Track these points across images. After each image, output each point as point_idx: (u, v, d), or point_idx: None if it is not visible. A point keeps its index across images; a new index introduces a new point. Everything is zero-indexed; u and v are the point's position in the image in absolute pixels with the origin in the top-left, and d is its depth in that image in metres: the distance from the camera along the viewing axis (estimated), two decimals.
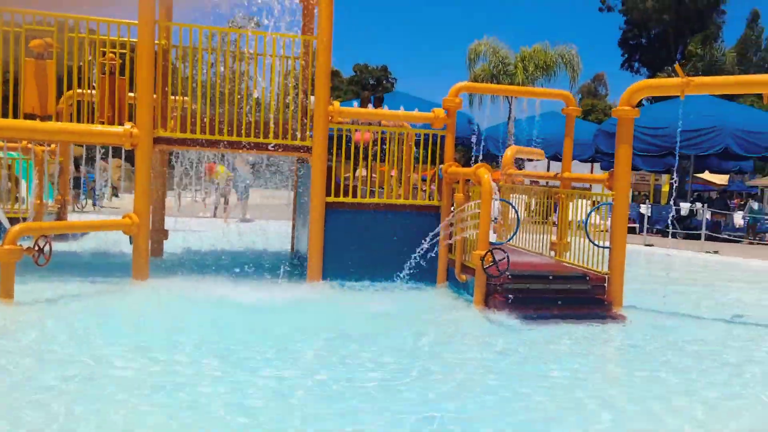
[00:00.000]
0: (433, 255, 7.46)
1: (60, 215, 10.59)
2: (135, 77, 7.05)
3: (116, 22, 7.29)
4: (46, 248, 6.37)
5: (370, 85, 61.13)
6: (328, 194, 7.55)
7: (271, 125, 7.43)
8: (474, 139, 11.39)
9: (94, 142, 7.63)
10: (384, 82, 62.71)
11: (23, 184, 10.78)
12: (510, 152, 9.57)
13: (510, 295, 6.49)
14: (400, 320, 6.13)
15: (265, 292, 6.91)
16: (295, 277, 7.67)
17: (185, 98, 7.41)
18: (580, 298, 6.87)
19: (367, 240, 7.67)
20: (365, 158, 7.85)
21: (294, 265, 8.34)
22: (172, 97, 7.65)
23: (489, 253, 6.35)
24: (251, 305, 6.44)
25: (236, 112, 7.48)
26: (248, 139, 7.42)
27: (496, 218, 8.81)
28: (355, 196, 7.70)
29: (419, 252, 7.28)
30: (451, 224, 7.45)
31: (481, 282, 6.63)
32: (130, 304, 6.35)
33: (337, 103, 7.57)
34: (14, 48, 6.94)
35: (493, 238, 7.66)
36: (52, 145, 10.43)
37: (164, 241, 9.16)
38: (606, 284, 7.02)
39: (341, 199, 7.63)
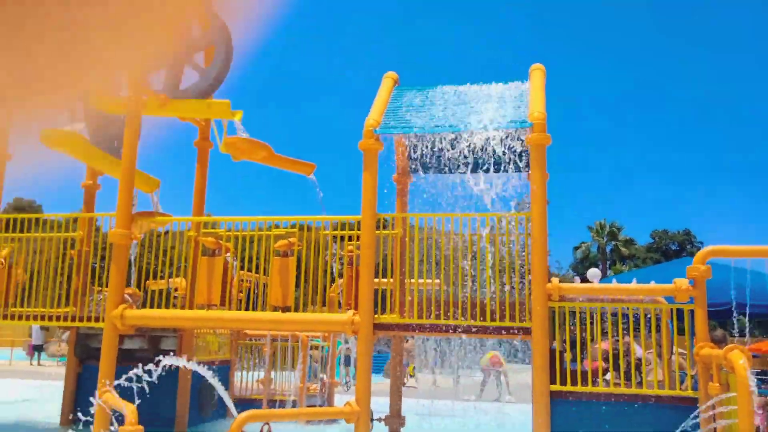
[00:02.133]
0: None
1: (327, 398, 11.31)
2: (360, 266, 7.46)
3: (345, 219, 7.98)
4: None
5: (672, 251, 56.81)
6: (552, 381, 6.73)
7: (488, 307, 7.09)
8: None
9: (321, 329, 8.12)
10: (688, 246, 57.55)
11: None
12: None
13: None
14: None
15: None
16: None
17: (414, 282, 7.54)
18: None
19: None
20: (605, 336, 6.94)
21: None
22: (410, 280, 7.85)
23: None
24: None
25: (462, 295, 7.35)
26: (466, 322, 7.15)
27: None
28: (585, 384, 6.73)
29: None
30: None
31: None
32: None
33: (556, 281, 6.97)
34: (264, 249, 7.98)
35: None
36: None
37: (401, 428, 8.99)
38: None
39: (568, 387, 6.72)
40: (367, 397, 7.22)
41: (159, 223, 9.42)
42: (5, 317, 8.88)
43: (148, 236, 9.48)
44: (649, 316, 6.79)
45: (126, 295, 9.27)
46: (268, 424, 6.63)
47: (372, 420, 8.94)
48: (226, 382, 11.17)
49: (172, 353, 9.58)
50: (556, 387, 6.74)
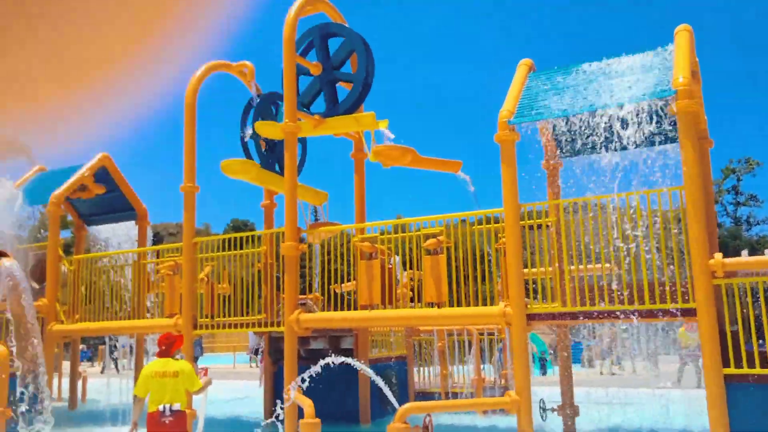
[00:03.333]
0: None
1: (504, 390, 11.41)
2: (506, 258, 7.51)
3: (491, 212, 8.04)
4: (429, 426, 6.99)
5: None
6: (725, 364, 6.23)
7: (645, 290, 6.75)
8: None
9: (474, 322, 8.24)
10: None
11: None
12: None
13: None
14: None
15: None
16: None
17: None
18: None
19: None
20: None
21: None
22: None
23: None
24: None
25: (622, 279, 7.07)
26: (625, 307, 6.87)
27: None
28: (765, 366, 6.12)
29: None
30: None
31: None
32: None
33: (719, 256, 6.43)
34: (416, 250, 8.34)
35: None
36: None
37: (575, 417, 8.82)
38: None
39: (745, 370, 6.17)
40: (527, 387, 7.24)
41: (331, 231, 10.24)
42: (210, 327, 10.18)
43: (325, 244, 10.28)
44: None
45: (308, 300, 10.23)
46: (429, 415, 6.93)
47: (545, 410, 8.91)
48: (405, 376, 11.74)
49: (348, 352, 10.35)
50: (730, 370, 6.23)
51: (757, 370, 6.13)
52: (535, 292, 8.35)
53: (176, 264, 10.23)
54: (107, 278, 11.52)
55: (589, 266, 7.26)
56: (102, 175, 12.43)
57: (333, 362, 7.60)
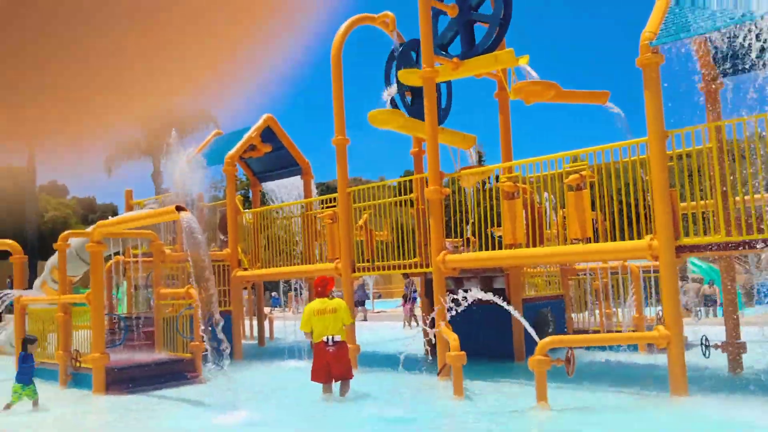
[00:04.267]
0: None
1: None
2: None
3: (635, 142, 7.66)
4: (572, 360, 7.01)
5: None
6: None
7: None
8: None
9: (619, 257, 7.95)
10: None
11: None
12: None
13: None
14: None
15: None
16: None
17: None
18: None
19: None
20: None
21: None
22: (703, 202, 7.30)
23: None
24: None
25: None
26: None
27: None
28: None
29: None
30: None
31: None
32: (654, 421, 6.22)
33: None
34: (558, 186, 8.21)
35: None
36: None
37: (742, 354, 8.30)
38: None
39: None
40: (678, 322, 6.97)
41: (482, 174, 10.38)
42: (368, 270, 10.89)
43: (479, 188, 10.42)
44: None
45: (457, 245, 10.53)
46: (571, 348, 6.95)
47: (708, 347, 8.51)
48: (562, 316, 11.67)
49: (500, 292, 10.54)
50: None
51: None
52: (695, 224, 7.87)
53: (334, 213, 11.02)
54: (280, 229, 12.73)
55: (749, 197, 6.72)
56: (268, 134, 13.59)
57: (474, 298, 7.83)
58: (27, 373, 7.92)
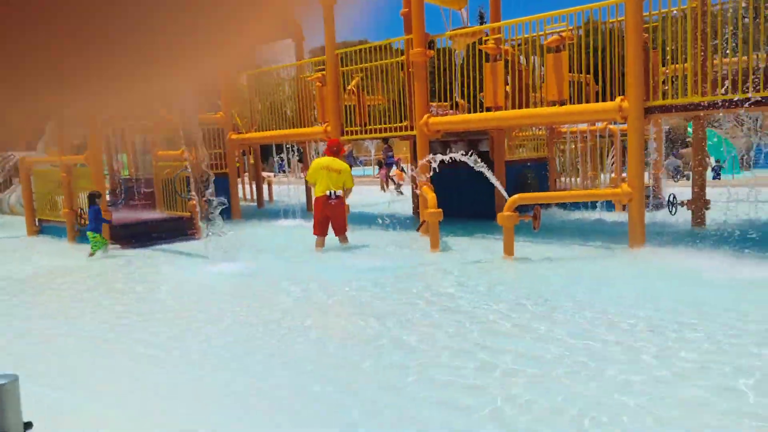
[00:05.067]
0: None
1: (655, 190, 11.44)
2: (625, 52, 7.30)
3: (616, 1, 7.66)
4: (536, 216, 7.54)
5: None
6: None
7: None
8: None
9: (590, 119, 8.21)
10: None
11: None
12: None
13: None
14: None
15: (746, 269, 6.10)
16: None
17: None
18: None
19: None
20: None
21: None
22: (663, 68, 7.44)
23: None
24: (724, 283, 5.88)
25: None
26: (733, 96, 6.54)
27: None
28: None
29: None
30: None
31: None
32: (608, 269, 6.83)
33: None
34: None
35: None
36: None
37: (706, 211, 8.81)
38: None
39: None
40: (640, 180, 7.40)
41: (473, 36, 10.36)
42: (357, 133, 11.19)
43: (468, 51, 10.40)
44: None
45: (435, 107, 10.73)
46: (539, 206, 7.45)
47: (675, 204, 9.00)
48: (544, 178, 12.12)
49: (485, 154, 10.89)
50: None
51: None
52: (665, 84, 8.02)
53: (323, 76, 11.14)
54: (274, 92, 12.89)
55: (720, 59, 6.86)
56: None
57: (449, 159, 8.19)
58: (99, 222, 9.01)
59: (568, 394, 3.40)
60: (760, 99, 6.45)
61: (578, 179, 12.25)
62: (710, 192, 9.39)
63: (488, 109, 8.99)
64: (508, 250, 7.37)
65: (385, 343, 4.50)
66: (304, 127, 12.10)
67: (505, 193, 7.75)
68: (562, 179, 12.38)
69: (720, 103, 6.75)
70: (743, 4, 6.68)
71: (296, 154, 16.07)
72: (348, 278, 6.78)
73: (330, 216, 8.52)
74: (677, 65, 7.31)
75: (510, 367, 3.86)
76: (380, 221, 9.37)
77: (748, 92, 6.54)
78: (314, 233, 8.61)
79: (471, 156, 8.31)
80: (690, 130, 20.73)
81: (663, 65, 7.39)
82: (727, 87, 6.74)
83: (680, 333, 4.36)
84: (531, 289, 5.90)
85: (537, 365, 3.88)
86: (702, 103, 6.87)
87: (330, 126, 10.97)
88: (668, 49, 7.30)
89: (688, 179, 18.37)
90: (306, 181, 10.56)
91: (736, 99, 6.55)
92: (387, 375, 3.91)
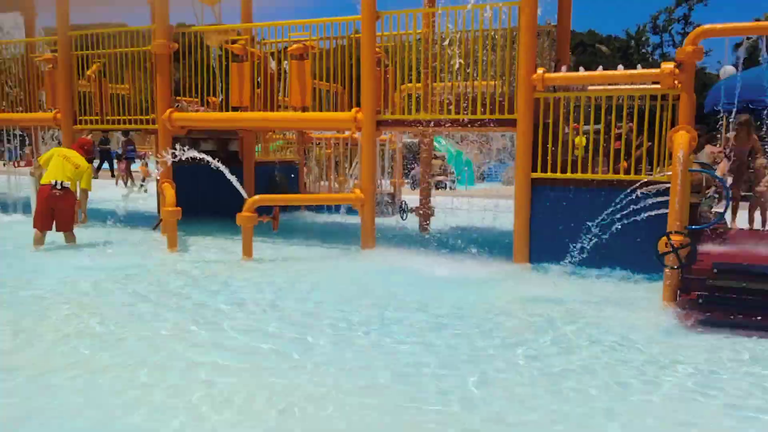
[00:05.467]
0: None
1: (394, 194, 12.35)
2: (361, 67, 7.83)
3: (352, 19, 8.17)
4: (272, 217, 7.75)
5: None
6: (533, 169, 7.00)
7: (479, 100, 7.28)
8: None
9: (329, 127, 8.75)
10: None
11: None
12: None
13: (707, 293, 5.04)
14: (550, 305, 5.45)
15: (464, 268, 6.93)
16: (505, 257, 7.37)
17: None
18: None
19: (581, 220, 6.76)
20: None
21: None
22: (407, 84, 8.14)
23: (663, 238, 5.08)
24: (442, 279, 6.58)
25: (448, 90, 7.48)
26: (450, 117, 7.42)
27: None
28: (564, 171, 6.91)
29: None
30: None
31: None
32: (338, 268, 7.23)
33: (541, 71, 6.91)
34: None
35: None
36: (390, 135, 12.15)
37: (431, 218, 9.78)
38: None
39: (549, 174, 6.96)
40: (372, 187, 7.97)
41: (226, 33, 10.13)
42: (94, 123, 10.31)
43: (221, 48, 10.10)
44: (640, 103, 6.66)
45: (182, 102, 10.40)
46: (278, 207, 7.65)
47: (405, 211, 9.83)
48: (296, 181, 12.42)
49: (235, 154, 10.85)
50: (537, 174, 7.01)
51: (558, 175, 6.91)
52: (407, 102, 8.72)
53: (54, 58, 10.12)
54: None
55: (444, 83, 7.65)
56: None
57: (190, 158, 8.00)
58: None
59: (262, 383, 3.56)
60: (470, 121, 7.36)
61: (326, 183, 12.80)
62: (440, 201, 10.48)
63: (235, 109, 8.97)
64: (247, 251, 7.42)
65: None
66: (32, 112, 10.85)
67: (245, 194, 7.80)
68: (313, 183, 12.82)
69: (443, 122, 7.53)
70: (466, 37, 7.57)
71: (27, 142, 14.35)
72: (65, 278, 6.26)
73: (56, 208, 7.76)
74: (412, 84, 8.00)
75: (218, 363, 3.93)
76: (113, 219, 8.79)
77: (466, 114, 7.42)
78: (34, 226, 7.79)
79: (217, 155, 8.22)
80: (437, 144, 22.91)
81: (403, 83, 8.00)
82: (451, 108, 7.55)
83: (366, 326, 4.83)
84: (258, 288, 6.04)
85: (248, 359, 4.00)
86: (426, 121, 7.62)
87: (60, 113, 10.00)
88: (406, 68, 7.96)
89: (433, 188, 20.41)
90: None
91: (454, 119, 7.38)
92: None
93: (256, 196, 7.50)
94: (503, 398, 3.54)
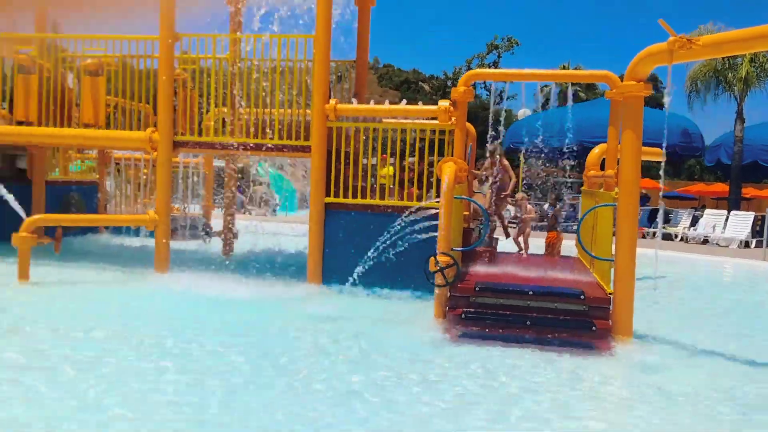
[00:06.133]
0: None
1: (206, 217, 12.05)
2: (157, 86, 7.69)
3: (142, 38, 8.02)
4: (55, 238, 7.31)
5: None
6: (327, 194, 7.31)
7: (276, 126, 7.48)
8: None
9: (123, 146, 8.52)
10: None
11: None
12: (598, 150, 8.20)
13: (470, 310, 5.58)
14: (332, 323, 5.70)
15: (258, 290, 6.98)
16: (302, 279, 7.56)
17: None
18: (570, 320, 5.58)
19: (369, 243, 7.17)
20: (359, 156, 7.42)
21: None
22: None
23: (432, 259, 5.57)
24: (229, 300, 6.56)
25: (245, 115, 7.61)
26: (250, 140, 7.54)
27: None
28: (355, 197, 7.31)
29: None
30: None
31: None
32: (123, 292, 6.94)
33: (333, 101, 7.29)
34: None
35: None
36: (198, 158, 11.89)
37: (234, 241, 9.75)
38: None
39: (341, 199, 7.31)
40: (166, 208, 7.79)
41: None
42: None
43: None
44: (422, 136, 7.26)
45: None
46: (60, 227, 7.21)
47: (209, 233, 9.69)
48: (94, 201, 11.71)
49: (24, 172, 10.02)
50: (330, 199, 7.33)
51: (349, 200, 7.29)
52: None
53: None
54: None
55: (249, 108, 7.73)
56: None
57: None
58: None
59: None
60: (272, 146, 7.51)
61: (127, 205, 12.21)
62: (244, 224, 10.47)
63: (20, 123, 8.33)
64: (23, 274, 6.88)
65: None
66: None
67: (22, 213, 7.25)
68: (117, 204, 12.16)
69: (243, 146, 7.60)
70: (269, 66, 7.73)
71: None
72: None
73: None
74: (218, 108, 7.97)
75: None
76: None
77: (265, 138, 7.56)
78: None
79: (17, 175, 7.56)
80: (260, 170, 22.78)
81: (210, 106, 7.94)
82: (252, 132, 7.64)
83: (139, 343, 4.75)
84: (29, 313, 5.65)
85: None
86: (226, 144, 7.65)
87: None
88: (213, 91, 7.91)
89: (251, 213, 20.23)
90: None
91: (258, 143, 7.48)
92: None
93: (37, 216, 7.01)
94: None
